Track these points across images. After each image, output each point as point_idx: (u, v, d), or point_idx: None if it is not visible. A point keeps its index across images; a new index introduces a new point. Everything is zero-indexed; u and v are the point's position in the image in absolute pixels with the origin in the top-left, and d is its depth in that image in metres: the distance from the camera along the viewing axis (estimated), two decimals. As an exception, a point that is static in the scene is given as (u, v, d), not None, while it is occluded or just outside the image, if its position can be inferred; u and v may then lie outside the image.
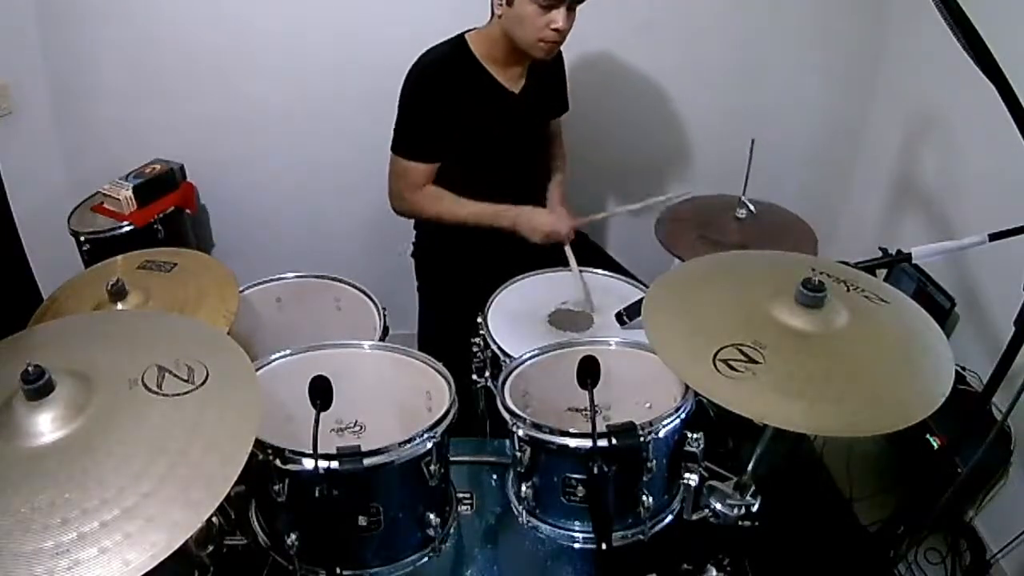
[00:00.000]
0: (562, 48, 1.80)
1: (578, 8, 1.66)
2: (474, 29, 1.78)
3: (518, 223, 1.78)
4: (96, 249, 2.02)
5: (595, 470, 1.09)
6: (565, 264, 1.71)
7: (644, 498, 1.18)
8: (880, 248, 1.56)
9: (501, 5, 1.66)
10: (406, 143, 1.77)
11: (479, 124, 1.77)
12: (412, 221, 2.01)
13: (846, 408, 0.99)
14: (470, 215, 1.80)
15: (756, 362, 1.02)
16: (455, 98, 1.72)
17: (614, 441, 1.11)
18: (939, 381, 1.03)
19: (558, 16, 1.61)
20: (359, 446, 1.09)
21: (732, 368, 1.02)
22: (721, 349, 1.04)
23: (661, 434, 1.16)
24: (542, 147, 2.03)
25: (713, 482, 1.25)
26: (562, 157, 2.10)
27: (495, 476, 1.46)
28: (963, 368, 1.82)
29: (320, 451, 1.03)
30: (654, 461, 1.16)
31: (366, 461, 1.08)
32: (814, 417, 0.97)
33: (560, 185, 2.03)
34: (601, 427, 1.11)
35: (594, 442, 1.09)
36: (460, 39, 1.77)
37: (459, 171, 1.80)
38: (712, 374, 1.02)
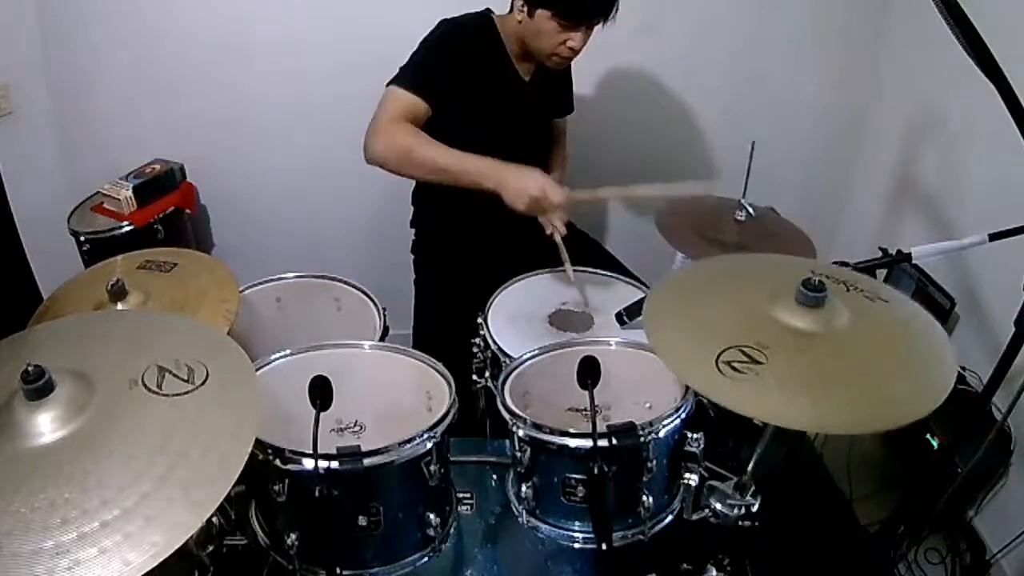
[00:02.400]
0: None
1: None
2: (496, 14, 1.77)
3: (503, 183, 1.53)
4: (96, 249, 2.02)
5: (595, 470, 1.09)
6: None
7: (644, 498, 1.18)
8: (880, 248, 1.55)
9: (522, 12, 1.65)
10: (406, 72, 1.66)
11: (486, 98, 1.74)
12: (410, 220, 2.00)
13: (849, 405, 0.99)
14: (449, 163, 1.56)
15: (759, 362, 1.02)
16: (471, 60, 1.69)
17: (614, 441, 1.11)
18: (940, 378, 1.03)
19: (576, 36, 1.62)
20: (359, 446, 1.09)
21: (735, 369, 1.02)
22: (724, 351, 1.04)
23: (661, 434, 1.16)
24: (543, 142, 2.02)
25: (713, 482, 1.25)
26: (562, 159, 2.09)
27: (495, 476, 1.46)
28: (963, 368, 1.82)
29: (320, 451, 1.03)
30: (654, 461, 1.16)
31: (366, 461, 1.08)
32: (818, 415, 0.97)
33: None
34: (601, 427, 1.11)
35: (594, 442, 1.09)
36: (488, 13, 1.77)
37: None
38: (715, 375, 1.02)
